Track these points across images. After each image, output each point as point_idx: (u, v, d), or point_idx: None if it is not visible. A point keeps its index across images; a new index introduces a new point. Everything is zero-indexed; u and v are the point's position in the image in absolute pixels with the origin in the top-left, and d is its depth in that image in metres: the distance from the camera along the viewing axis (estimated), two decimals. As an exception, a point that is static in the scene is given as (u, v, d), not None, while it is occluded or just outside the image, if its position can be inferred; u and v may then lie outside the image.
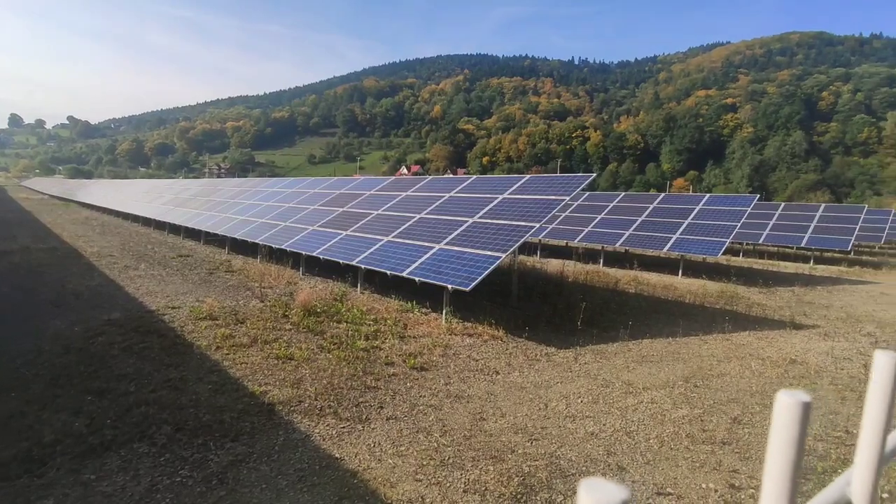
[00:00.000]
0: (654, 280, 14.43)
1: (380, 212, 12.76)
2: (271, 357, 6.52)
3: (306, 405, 5.20)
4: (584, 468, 4.25)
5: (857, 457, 0.51)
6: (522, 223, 9.30)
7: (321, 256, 11.36)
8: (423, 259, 9.26)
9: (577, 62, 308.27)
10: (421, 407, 5.35)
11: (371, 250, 10.56)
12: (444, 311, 8.73)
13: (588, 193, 23.24)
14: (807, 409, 0.40)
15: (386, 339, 7.60)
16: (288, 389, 5.54)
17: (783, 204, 26.19)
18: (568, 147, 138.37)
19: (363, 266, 10.15)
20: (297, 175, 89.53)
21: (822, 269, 19.36)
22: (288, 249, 12.71)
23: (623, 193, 22.43)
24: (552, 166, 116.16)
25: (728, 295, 12.36)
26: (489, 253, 8.59)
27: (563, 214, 21.11)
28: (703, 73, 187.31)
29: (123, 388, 5.39)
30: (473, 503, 3.72)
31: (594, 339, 8.16)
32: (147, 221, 24.52)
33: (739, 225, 16.32)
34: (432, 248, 9.60)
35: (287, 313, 8.64)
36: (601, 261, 17.75)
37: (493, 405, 5.49)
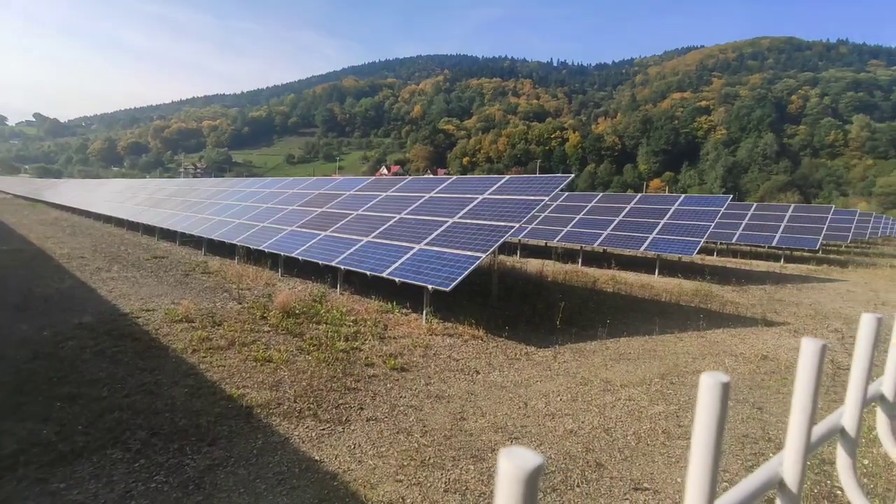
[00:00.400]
0: (632, 279, 14.66)
1: (360, 212, 12.69)
2: (249, 359, 6.43)
3: (285, 407, 5.14)
4: (563, 465, 4.30)
5: (788, 438, 0.55)
6: (502, 223, 9.35)
7: (300, 257, 11.24)
8: (403, 259, 9.24)
9: (555, 64, 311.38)
10: (401, 407, 5.34)
11: (351, 251, 10.49)
12: (424, 312, 8.72)
13: (567, 194, 23.49)
14: (726, 388, 0.43)
15: (366, 339, 7.57)
16: (267, 392, 5.47)
17: (755, 204, 26.91)
18: (547, 148, 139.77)
19: (343, 267, 10.08)
20: (275, 175, 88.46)
21: (791, 268, 19.94)
22: (266, 250, 12.55)
23: (601, 194, 22.75)
24: (532, 167, 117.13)
25: (703, 293, 12.63)
26: (469, 253, 8.62)
27: (543, 215, 21.30)
28: (678, 76, 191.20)
29: (95, 393, 5.25)
30: (454, 503, 3.73)
31: (573, 337, 8.26)
32: (120, 222, 23.92)
33: (713, 225, 16.70)
34: (412, 248, 9.58)
35: (265, 315, 8.53)
36: (580, 260, 17.96)
37: (474, 405, 5.51)
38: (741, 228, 24.19)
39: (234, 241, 13.88)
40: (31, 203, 40.91)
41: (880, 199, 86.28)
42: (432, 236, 9.80)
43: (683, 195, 19.53)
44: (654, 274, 15.98)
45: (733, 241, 23.79)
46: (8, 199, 45.69)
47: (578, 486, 4.02)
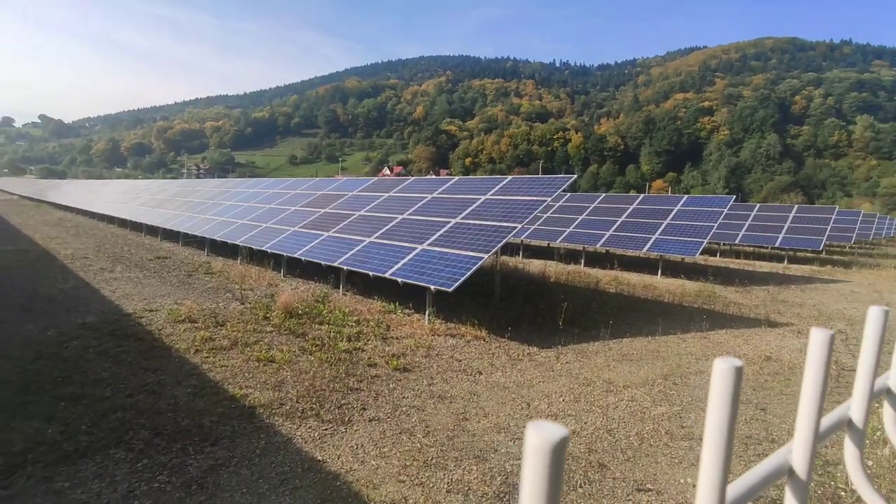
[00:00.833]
0: (634, 280, 14.63)
1: (362, 213, 12.70)
2: (252, 360, 6.44)
3: (288, 408, 5.15)
4: (566, 466, 4.29)
5: (797, 427, 0.57)
6: (505, 224, 9.35)
7: (303, 258, 11.25)
8: (405, 260, 9.24)
9: (558, 64, 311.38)
10: (404, 408, 5.34)
11: (353, 251, 10.50)
12: (426, 312, 8.72)
13: (569, 194, 23.48)
14: (739, 373, 0.45)
15: (368, 340, 7.57)
16: (269, 392, 5.48)
17: (758, 205, 26.82)
18: (549, 148, 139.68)
19: (345, 267, 10.09)
20: (278, 176, 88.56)
21: (795, 269, 19.87)
22: (269, 251, 12.57)
23: (604, 194, 22.73)
24: (534, 167, 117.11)
25: (706, 294, 12.60)
26: (472, 254, 8.62)
27: (545, 215, 21.29)
28: (681, 76, 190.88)
29: (99, 393, 5.27)
30: (457, 503, 3.73)
31: (576, 338, 8.24)
32: (123, 223, 24.00)
33: (716, 226, 16.66)
34: (415, 248, 9.59)
35: (268, 315, 8.55)
36: (582, 261, 17.94)
37: (476, 405, 5.51)
38: (744, 229, 24.12)
39: (236, 242, 13.91)
40: (36, 204, 41.08)
41: (884, 199, 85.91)
42: (435, 237, 9.80)
43: (686, 196, 19.49)
44: (656, 275, 15.95)
45: (736, 241, 23.72)
46: (14, 200, 45.91)
47: (581, 486, 4.01)
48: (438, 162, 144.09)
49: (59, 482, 3.75)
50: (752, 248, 26.29)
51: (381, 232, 11.02)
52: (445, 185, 12.57)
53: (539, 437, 0.34)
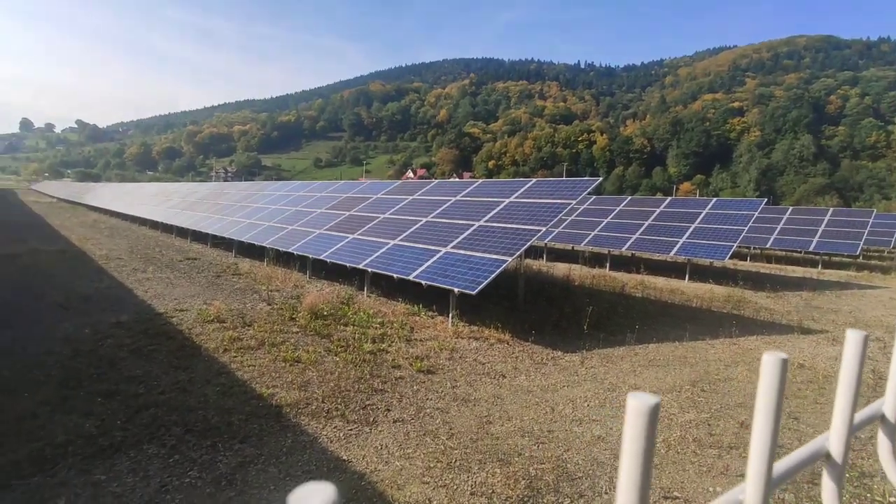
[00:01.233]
0: (661, 284, 14.38)
1: (387, 215, 12.81)
2: (279, 360, 6.55)
3: (314, 407, 5.22)
4: (590, 471, 4.25)
5: (834, 417, 0.63)
6: (529, 227, 9.31)
7: (328, 260, 11.41)
8: (429, 262, 9.28)
9: (583, 66, 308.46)
10: (428, 410, 5.36)
11: (378, 253, 10.60)
12: (450, 315, 8.74)
13: (594, 197, 23.22)
14: (785, 364, 0.51)
15: (393, 342, 7.63)
16: (295, 392, 5.57)
17: (791, 208, 26.05)
18: (574, 151, 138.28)
19: (370, 269, 10.19)
20: (303, 179, 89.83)
21: (830, 274, 19.22)
22: (295, 253, 12.78)
23: (629, 197, 22.39)
24: (558, 170, 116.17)
25: (735, 299, 12.30)
26: (495, 256, 8.61)
27: (570, 218, 21.10)
28: (709, 76, 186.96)
29: (133, 390, 5.44)
30: (480, 506, 3.73)
31: (601, 342, 8.15)
32: (155, 224, 24.71)
33: (747, 229, 16.25)
34: (439, 251, 9.62)
35: (294, 316, 8.69)
36: (607, 265, 17.71)
37: (500, 408, 5.49)
38: (776, 233, 23.46)
39: (263, 244, 14.18)
40: (73, 206, 42.63)
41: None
42: (459, 239, 9.82)
43: (715, 198, 19.07)
44: (684, 279, 15.64)
45: (768, 245, 23.08)
46: (53, 203, 47.73)
47: (606, 492, 3.96)
48: (462, 164, 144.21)
49: (96, 474, 3.88)
50: (784, 253, 25.54)
51: (405, 234, 11.09)
52: (469, 188, 12.58)
53: (638, 402, 0.41)
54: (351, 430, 4.82)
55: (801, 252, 24.37)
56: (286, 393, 5.53)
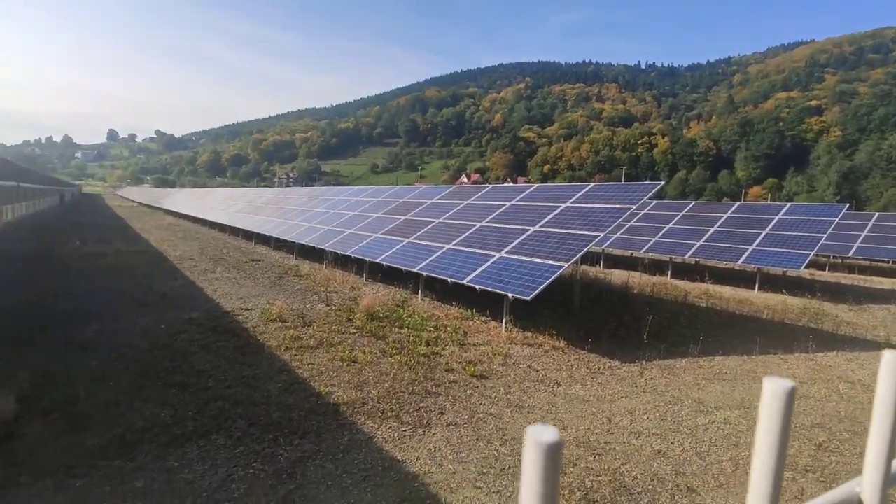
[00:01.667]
0: (728, 294, 13.63)
1: (441, 220, 12.92)
2: (336, 359, 6.75)
3: (369, 407, 5.33)
4: (650, 486, 4.08)
5: (868, 457, 0.53)
6: (585, 232, 9.10)
7: (384, 263, 11.64)
8: (483, 267, 9.27)
9: (643, 66, 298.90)
10: (481, 415, 5.34)
11: (432, 257, 10.70)
12: (504, 320, 8.68)
13: (655, 202, 22.38)
14: (791, 395, 0.44)
15: (446, 345, 7.66)
16: (352, 391, 5.71)
17: (877, 214, 23.97)
18: (633, 154, 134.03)
19: (424, 273, 10.30)
20: (360, 184, 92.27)
21: (923, 286, 17.50)
22: (352, 255, 13.13)
23: (693, 202, 21.39)
24: (616, 174, 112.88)
25: (812, 312, 11.45)
26: (551, 262, 8.47)
27: (629, 224, 20.44)
28: (783, 73, 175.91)
29: (202, 383, 5.76)
30: (534, 515, 3.66)
31: (661, 353, 7.82)
32: (223, 227, 26.14)
33: (825, 236, 15.11)
34: (493, 256, 9.59)
35: (351, 317, 8.92)
36: (669, 272, 17.00)
37: (555, 417, 5.39)
38: (860, 241, 21.67)
39: (322, 247, 14.67)
40: (151, 210, 45.90)
41: None
42: (513, 244, 9.75)
43: (789, 203, 17.87)
44: (753, 289, 14.74)
45: (850, 254, 21.35)
46: (134, 207, 51.65)
47: (668, 511, 3.79)
48: (516, 169, 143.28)
49: (170, 461, 4.14)
50: (868, 262, 23.52)
51: (459, 239, 11.14)
52: (524, 193, 12.47)
53: (536, 439, 0.37)
54: (405, 431, 4.88)
55: (888, 262, 22.36)
56: (343, 392, 5.68)
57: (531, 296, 7.65)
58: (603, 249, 19.81)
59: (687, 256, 16.77)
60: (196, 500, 3.66)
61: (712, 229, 17.61)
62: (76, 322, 7.95)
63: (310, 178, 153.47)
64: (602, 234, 8.94)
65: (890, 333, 9.79)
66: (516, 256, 9.22)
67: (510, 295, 8.00)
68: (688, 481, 4.20)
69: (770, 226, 16.36)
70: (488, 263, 9.35)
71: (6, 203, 21.66)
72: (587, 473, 4.25)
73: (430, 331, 8.37)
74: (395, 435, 4.79)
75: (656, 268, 18.20)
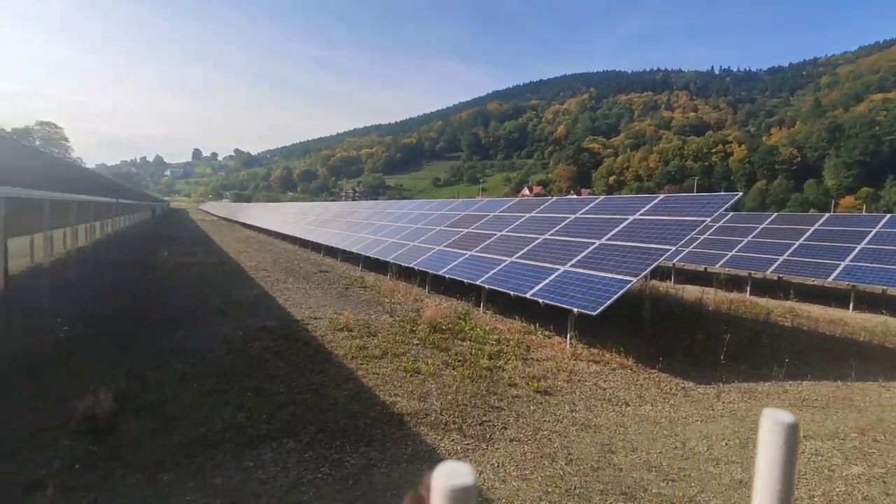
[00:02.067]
0: (817, 313, 12.55)
1: (503, 233, 12.87)
2: (400, 370, 6.86)
3: (432, 419, 5.37)
4: None
5: None
6: (655, 246, 8.74)
7: (446, 275, 11.74)
8: (547, 281, 9.12)
9: (717, 72, 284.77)
10: (545, 432, 5.23)
11: (495, 270, 10.66)
12: (568, 336, 8.47)
13: (732, 214, 21.11)
14: (794, 431, 0.38)
15: (509, 359, 7.58)
16: (415, 402, 5.77)
17: None
18: (706, 164, 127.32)
19: (486, 286, 10.28)
20: (422, 197, 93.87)
21: None
22: (415, 268, 13.34)
23: (775, 214, 19.97)
24: (688, 185, 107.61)
25: (918, 334, 10.29)
26: (618, 276, 8.19)
27: (702, 237, 19.40)
28: (878, 73, 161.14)
29: (275, 388, 6.04)
30: (603, 540, 3.52)
31: (741, 375, 7.31)
32: (294, 240, 27.44)
33: (933, 251, 13.58)
34: (557, 269, 9.42)
35: (414, 329, 9.05)
36: (748, 289, 15.91)
37: (623, 438, 5.17)
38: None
39: (387, 259, 15.02)
40: (230, 224, 49.05)
41: None
42: (578, 258, 9.53)
43: (889, 215, 16.25)
44: (847, 308, 13.48)
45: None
46: (215, 221, 55.44)
47: (751, 546, 3.51)
48: (580, 181, 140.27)
49: (245, 461, 4.37)
50: None
51: (522, 252, 11.04)
52: (589, 205, 12.18)
53: (444, 479, 0.33)
54: (468, 444, 4.87)
55: None
56: (407, 402, 5.76)
57: (597, 311, 7.43)
58: (674, 264, 18.90)
59: (769, 272, 15.64)
60: (269, 500, 3.83)
61: (797, 243, 16.34)
62: (165, 328, 8.60)
63: (374, 192, 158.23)
64: (673, 248, 8.54)
65: None
66: (581, 270, 9.00)
67: (575, 310, 7.81)
68: (773, 515, 3.87)
69: (866, 239, 14.95)
70: (552, 277, 9.19)
71: (108, 217, 23.99)
72: (659, 499, 4.04)
73: (492, 344, 8.32)
74: (458, 448, 4.78)
75: (733, 284, 17.09)
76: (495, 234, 12.99)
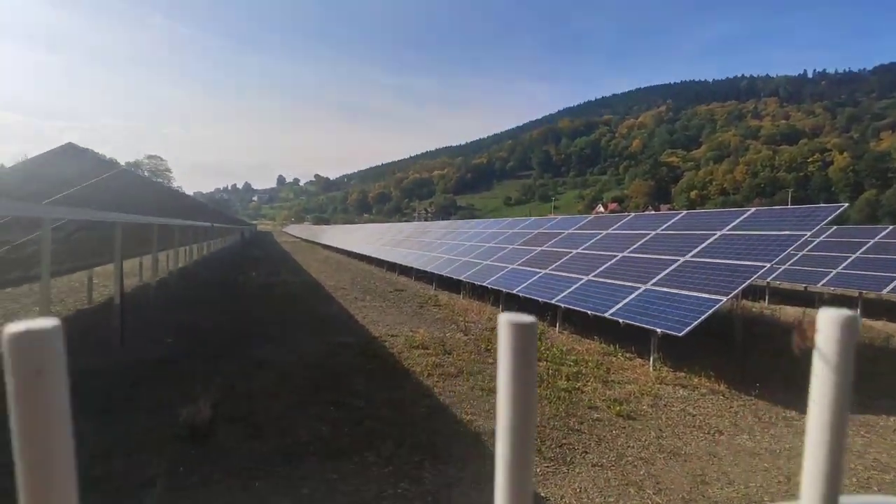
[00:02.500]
0: (946, 338, 11.02)
1: (579, 250, 12.56)
2: (476, 388, 6.83)
3: (510, 439, 5.27)
4: None
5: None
6: (747, 262, 8.14)
7: (520, 294, 11.61)
8: (627, 300, 8.76)
9: (810, 75, 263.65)
10: (630, 458, 4.97)
11: (571, 289, 10.41)
12: (651, 357, 8.05)
13: (835, 228, 19.23)
14: (853, 321, 0.37)
15: (588, 381, 7.32)
16: (492, 422, 5.70)
17: None
18: (802, 174, 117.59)
19: (563, 305, 10.04)
20: (494, 216, 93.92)
21: None
22: (489, 286, 13.32)
23: (891, 227, 17.94)
24: (780, 197, 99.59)
25: None
26: (706, 295, 7.70)
27: (800, 253, 17.81)
28: None
29: (356, 403, 6.23)
30: (699, 579, 3.27)
31: (856, 406, 6.55)
32: (370, 259, 28.40)
33: None
34: (638, 288, 9.02)
35: (489, 347, 9.00)
36: (858, 310, 14.31)
37: (718, 469, 4.80)
38: None
39: (460, 278, 15.13)
40: (311, 245, 51.74)
41: None
42: (660, 276, 9.08)
43: None
44: (984, 333, 11.73)
45: None
46: (296, 242, 58.75)
47: None
48: (658, 197, 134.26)
49: (328, 474, 4.52)
50: None
51: (599, 270, 10.70)
52: (671, 221, 11.61)
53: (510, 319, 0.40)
54: (548, 467, 4.73)
55: None
56: (484, 421, 5.71)
57: (683, 332, 7.02)
58: (767, 282, 17.44)
59: (885, 292, 14.01)
60: (352, 512, 3.92)
61: (917, 259, 14.53)
62: (255, 343, 9.17)
63: (446, 212, 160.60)
64: (768, 265, 7.91)
65: None
66: (664, 289, 8.56)
67: (659, 330, 7.42)
68: (904, 567, 3.40)
69: None
70: (633, 296, 8.82)
71: (204, 240, 26.23)
72: (763, 539, 3.69)
73: (569, 365, 8.08)
74: (538, 470, 4.66)
75: (840, 304, 15.42)
76: (571, 252, 12.71)
